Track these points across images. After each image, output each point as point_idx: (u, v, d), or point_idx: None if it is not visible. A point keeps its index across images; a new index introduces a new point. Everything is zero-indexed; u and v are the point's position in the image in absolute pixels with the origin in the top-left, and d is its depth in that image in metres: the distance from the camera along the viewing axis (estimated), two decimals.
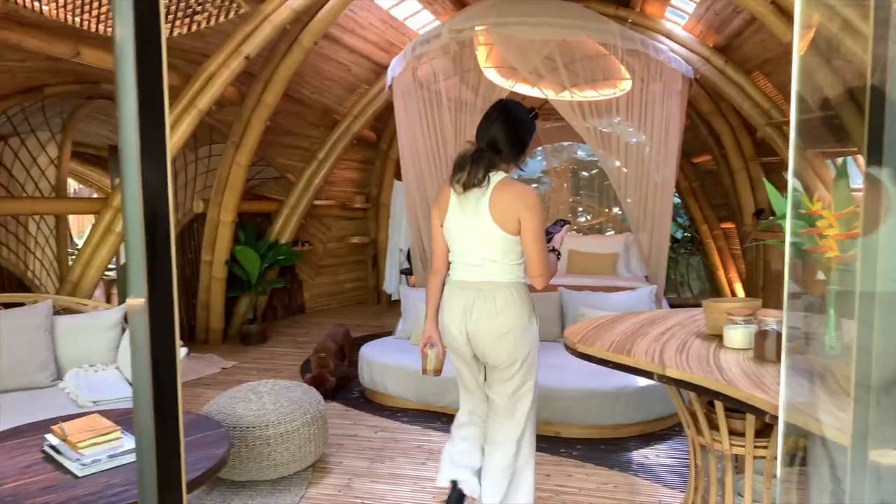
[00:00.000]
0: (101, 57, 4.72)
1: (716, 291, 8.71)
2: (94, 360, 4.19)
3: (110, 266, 8.10)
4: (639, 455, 3.98)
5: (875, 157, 1.02)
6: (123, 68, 1.00)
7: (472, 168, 2.62)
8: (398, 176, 8.90)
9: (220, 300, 6.87)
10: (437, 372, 2.97)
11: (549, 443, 4.16)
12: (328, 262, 8.72)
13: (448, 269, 2.85)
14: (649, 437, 4.24)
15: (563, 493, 3.48)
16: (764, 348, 2.26)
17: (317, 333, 7.31)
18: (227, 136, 6.30)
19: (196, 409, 4.62)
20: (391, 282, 8.82)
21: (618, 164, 5.87)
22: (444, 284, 2.88)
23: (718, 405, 2.33)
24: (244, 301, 7.18)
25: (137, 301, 1.05)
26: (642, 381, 4.24)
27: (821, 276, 1.96)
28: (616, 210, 9.33)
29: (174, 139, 5.21)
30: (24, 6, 2.90)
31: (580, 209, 9.59)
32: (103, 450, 2.76)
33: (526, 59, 4.95)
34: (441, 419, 4.60)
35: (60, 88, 5.31)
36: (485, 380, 2.91)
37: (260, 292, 7.01)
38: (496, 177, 2.64)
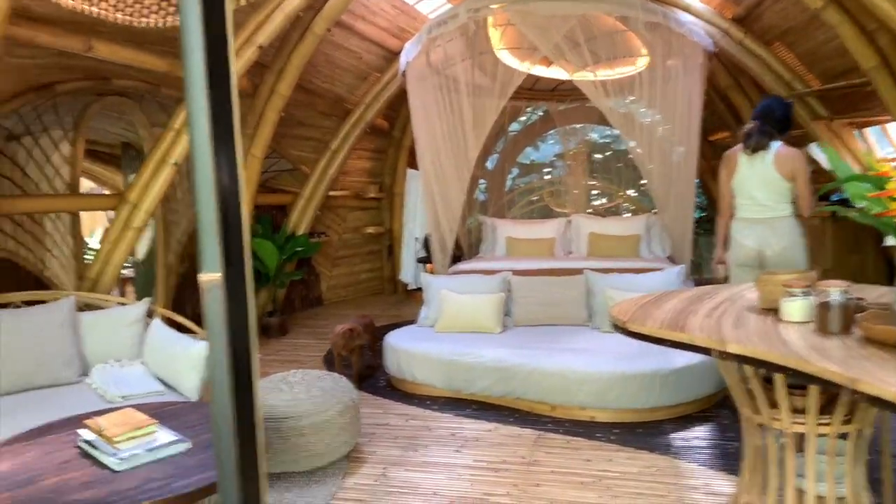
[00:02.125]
0: (114, 50, 4.63)
1: None
2: (119, 355, 4.14)
3: (125, 263, 8.06)
4: (678, 437, 3.90)
5: None
6: (191, 50, 0.95)
7: (758, 138, 3.88)
8: (412, 164, 8.81)
9: None
10: (727, 279, 4.21)
11: (585, 427, 4.09)
12: (344, 252, 8.65)
13: (732, 212, 4.11)
14: (687, 419, 4.16)
15: (606, 478, 3.40)
16: (827, 320, 2.16)
17: (336, 324, 7.23)
18: (241, 128, 6.22)
19: None
20: (407, 271, 8.75)
21: (633, 144, 5.76)
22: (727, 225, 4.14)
23: (778, 381, 2.24)
24: (263, 294, 7.12)
25: (213, 276, 0.98)
26: (678, 362, 4.15)
27: (891, 241, 1.86)
28: (631, 192, 9.21)
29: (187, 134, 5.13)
30: None
31: (594, 192, 9.47)
32: (140, 444, 2.69)
33: (546, 36, 4.84)
34: (471, 406, 4.53)
35: (72, 85, 5.22)
36: None
37: (279, 285, 6.95)
38: (774, 143, 3.90)
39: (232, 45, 1.02)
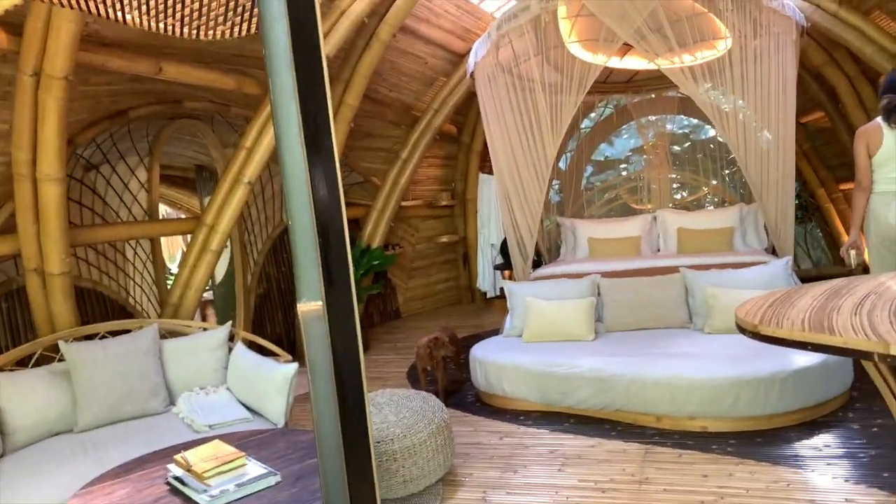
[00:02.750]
0: (184, 70, 4.63)
1: (840, 259, 7.97)
2: (204, 382, 4.09)
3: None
4: (805, 447, 3.51)
5: None
6: (279, 67, 0.89)
7: None
8: (483, 169, 8.61)
9: None
10: (861, 266, 4.21)
11: (696, 439, 3.76)
12: (419, 263, 8.52)
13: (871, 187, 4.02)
14: (811, 427, 3.76)
15: (728, 495, 3.07)
16: None
17: (416, 339, 7.07)
18: None
19: (305, 432, 4.47)
20: (485, 279, 8.54)
21: (721, 130, 5.36)
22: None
23: None
24: None
25: (313, 305, 0.78)
26: (797, 364, 3.77)
27: None
28: (713, 182, 8.70)
29: (259, 152, 5.09)
30: (107, 17, 2.75)
31: (675, 185, 9.00)
32: (230, 478, 2.57)
33: (626, 22, 4.54)
34: (568, 420, 4.26)
35: (145, 110, 5.28)
36: None
37: (357, 300, 6.83)
38: None
39: (323, 54, 0.96)
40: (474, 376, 4.83)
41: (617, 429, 4.04)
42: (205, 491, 2.51)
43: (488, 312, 8.14)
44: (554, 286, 5.13)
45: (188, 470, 2.60)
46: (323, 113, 0.83)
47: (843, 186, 7.90)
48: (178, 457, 2.68)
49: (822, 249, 8.37)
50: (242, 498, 2.50)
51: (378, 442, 3.28)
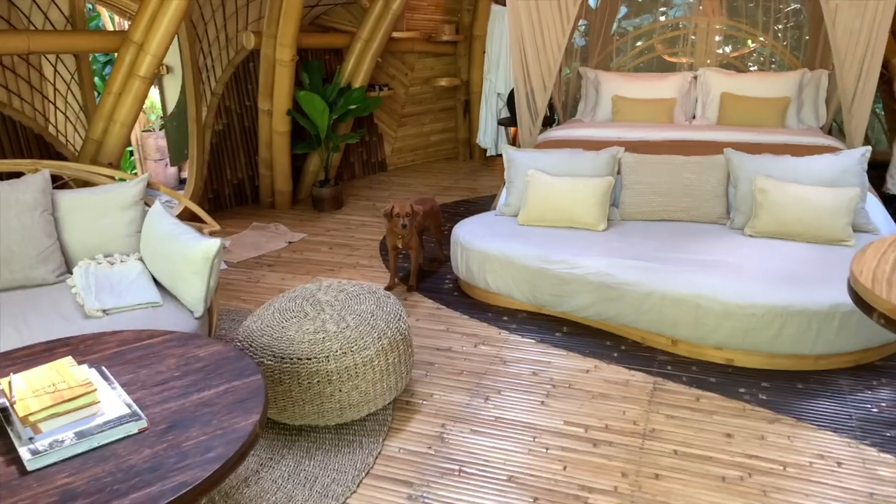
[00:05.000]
0: None
1: None
2: (111, 248, 3.30)
3: (149, 125, 7.18)
4: (860, 402, 2.79)
5: None
6: None
7: None
8: None
9: (285, 158, 5.87)
10: None
11: (719, 376, 3.04)
12: (411, 109, 7.47)
13: None
14: (868, 372, 3.03)
15: (757, 471, 2.38)
16: None
17: (400, 197, 6.27)
18: None
19: (242, 315, 3.76)
20: (486, 134, 7.54)
21: None
22: None
23: None
24: (314, 159, 6.15)
25: None
26: None
27: None
28: (761, 38, 7.40)
29: None
30: None
31: (718, 37, 7.69)
32: (69, 422, 1.84)
33: None
34: (562, 329, 3.54)
35: None
36: None
37: (332, 149, 5.93)
38: None
39: None
40: (454, 261, 4.06)
41: (620, 348, 3.33)
42: (30, 439, 1.79)
43: (486, 173, 7.24)
44: (564, 158, 4.20)
45: (11, 404, 1.86)
46: None
47: None
48: (3, 381, 1.94)
49: (883, 130, 7.28)
50: (81, 454, 1.77)
51: (308, 359, 2.55)
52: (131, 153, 7.19)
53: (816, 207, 3.51)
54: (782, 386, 2.93)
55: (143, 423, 1.86)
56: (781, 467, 2.39)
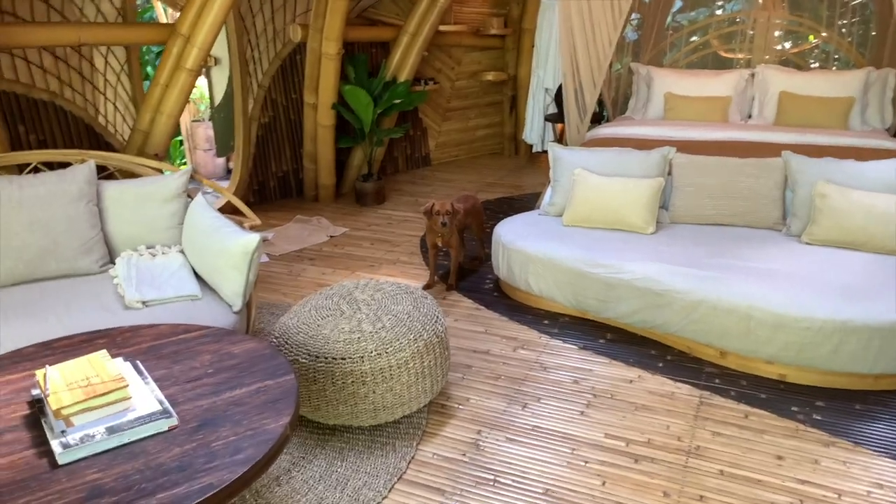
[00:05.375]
0: None
1: None
2: (153, 240, 3.32)
3: (199, 115, 7.27)
4: None
5: None
6: None
7: None
8: None
9: (330, 152, 5.87)
10: None
11: (771, 392, 2.90)
12: (457, 104, 7.40)
13: None
14: None
15: (810, 498, 2.25)
16: None
17: (442, 193, 6.23)
18: None
19: (281, 309, 3.76)
20: (533, 130, 7.41)
21: None
22: None
23: None
24: (358, 153, 6.14)
25: None
26: None
27: None
28: (823, 34, 7.09)
29: None
30: None
31: (777, 32, 7.40)
32: (101, 416, 1.84)
33: None
34: (605, 336, 3.44)
35: None
36: None
37: (376, 143, 5.91)
38: None
39: None
40: (495, 261, 3.98)
41: (666, 358, 3.21)
42: (63, 433, 1.79)
43: (532, 170, 7.14)
44: (613, 157, 4.08)
45: (45, 396, 1.87)
46: None
47: None
48: (39, 373, 1.95)
49: None
50: (111, 450, 1.77)
51: (342, 359, 2.51)
52: (181, 142, 7.30)
53: (882, 215, 3.33)
54: (839, 406, 2.78)
55: (174, 421, 1.85)
56: (836, 496, 2.26)
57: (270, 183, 6.05)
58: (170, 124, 4.32)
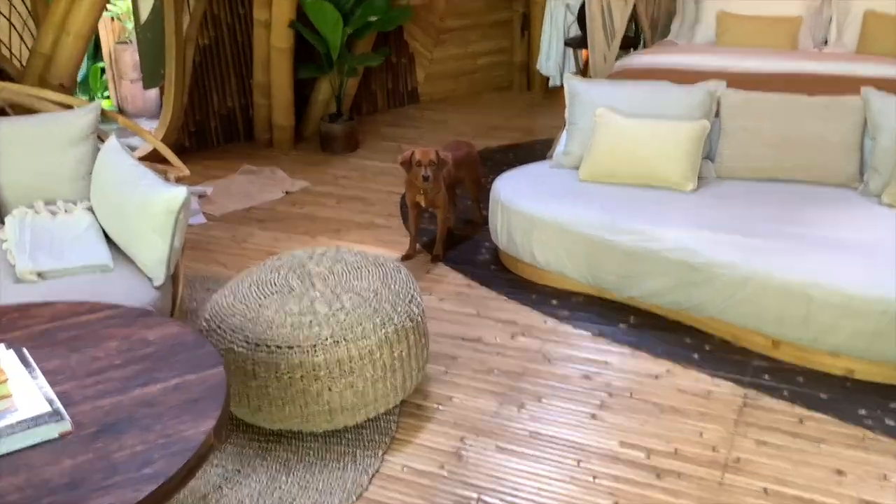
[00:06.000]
0: None
1: None
2: (54, 194, 3.36)
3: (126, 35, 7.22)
4: None
5: None
6: None
7: None
8: None
9: (287, 83, 5.86)
10: None
11: (833, 390, 2.97)
12: (453, 23, 7.38)
13: None
14: None
15: None
16: None
17: (433, 139, 6.22)
18: None
19: (221, 284, 3.75)
20: (550, 58, 7.40)
21: None
22: None
23: None
24: (324, 86, 6.13)
25: None
26: None
27: None
28: None
29: None
30: None
31: None
32: None
33: None
34: (627, 319, 3.51)
35: None
36: None
37: (346, 73, 5.90)
38: None
39: None
40: (493, 225, 4.02)
41: (704, 348, 3.28)
42: None
43: (548, 110, 7.13)
44: (646, 93, 4.10)
45: None
46: None
47: None
48: None
49: None
50: None
51: (289, 348, 2.54)
52: (103, 71, 7.28)
53: None
54: None
55: (67, 426, 1.86)
56: None
57: (211, 123, 6.06)
58: (78, 46, 4.34)
